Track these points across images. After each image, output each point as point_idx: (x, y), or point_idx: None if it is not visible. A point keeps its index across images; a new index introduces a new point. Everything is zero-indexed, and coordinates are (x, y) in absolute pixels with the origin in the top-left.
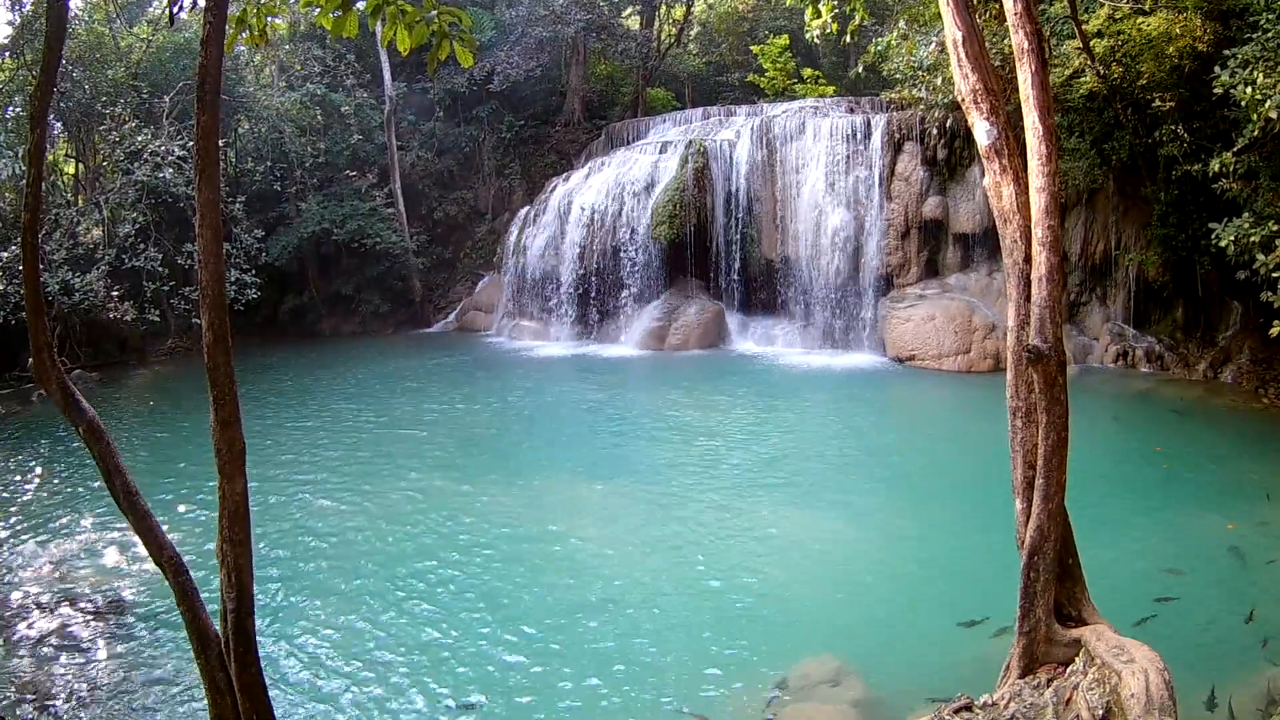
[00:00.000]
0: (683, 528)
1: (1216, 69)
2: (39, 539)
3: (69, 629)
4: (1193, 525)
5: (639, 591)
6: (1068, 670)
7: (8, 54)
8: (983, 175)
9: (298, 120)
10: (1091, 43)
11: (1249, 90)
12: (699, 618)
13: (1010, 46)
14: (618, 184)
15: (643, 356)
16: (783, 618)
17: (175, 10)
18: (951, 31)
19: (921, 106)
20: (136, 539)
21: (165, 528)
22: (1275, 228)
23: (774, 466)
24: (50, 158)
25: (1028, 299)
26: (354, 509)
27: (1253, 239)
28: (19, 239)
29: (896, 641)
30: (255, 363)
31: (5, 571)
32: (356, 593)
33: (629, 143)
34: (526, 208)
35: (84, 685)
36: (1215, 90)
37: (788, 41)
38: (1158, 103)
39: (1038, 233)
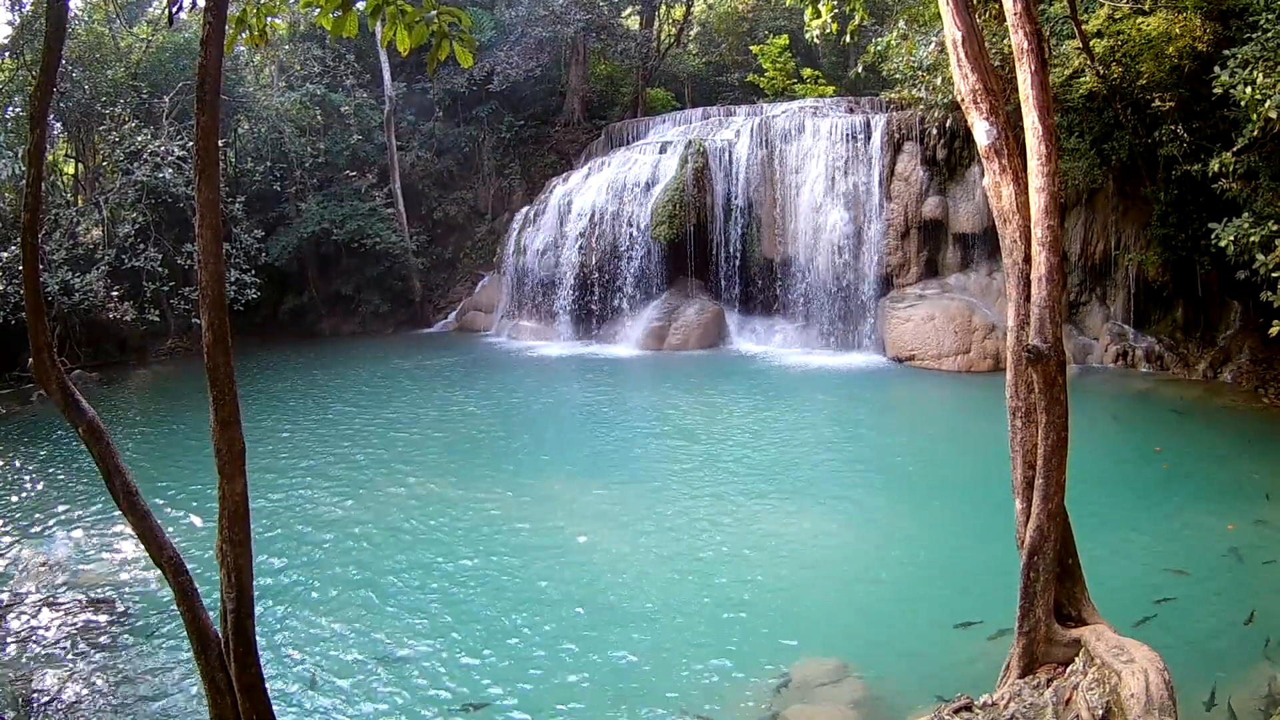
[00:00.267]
0: (683, 528)
1: (1216, 69)
2: (39, 539)
3: (69, 629)
4: (1192, 525)
5: (639, 591)
6: (1068, 670)
7: (8, 54)
8: (982, 175)
9: (297, 120)
10: (1091, 43)
11: (1249, 90)
12: (699, 617)
13: (1010, 46)
14: (617, 184)
15: (642, 356)
16: (783, 617)
17: (175, 10)
18: (951, 31)
19: (921, 106)
20: (136, 539)
21: (165, 528)
22: (1275, 228)
23: (774, 466)
24: (50, 158)
25: (1027, 299)
26: (354, 509)
27: (1252, 239)
28: (19, 239)
29: (896, 641)
30: (255, 363)
31: (5, 571)
32: (357, 592)
33: (629, 143)
34: (526, 208)
35: (84, 685)
36: (1215, 90)
37: (787, 41)
38: (1157, 103)
39: (1037, 233)
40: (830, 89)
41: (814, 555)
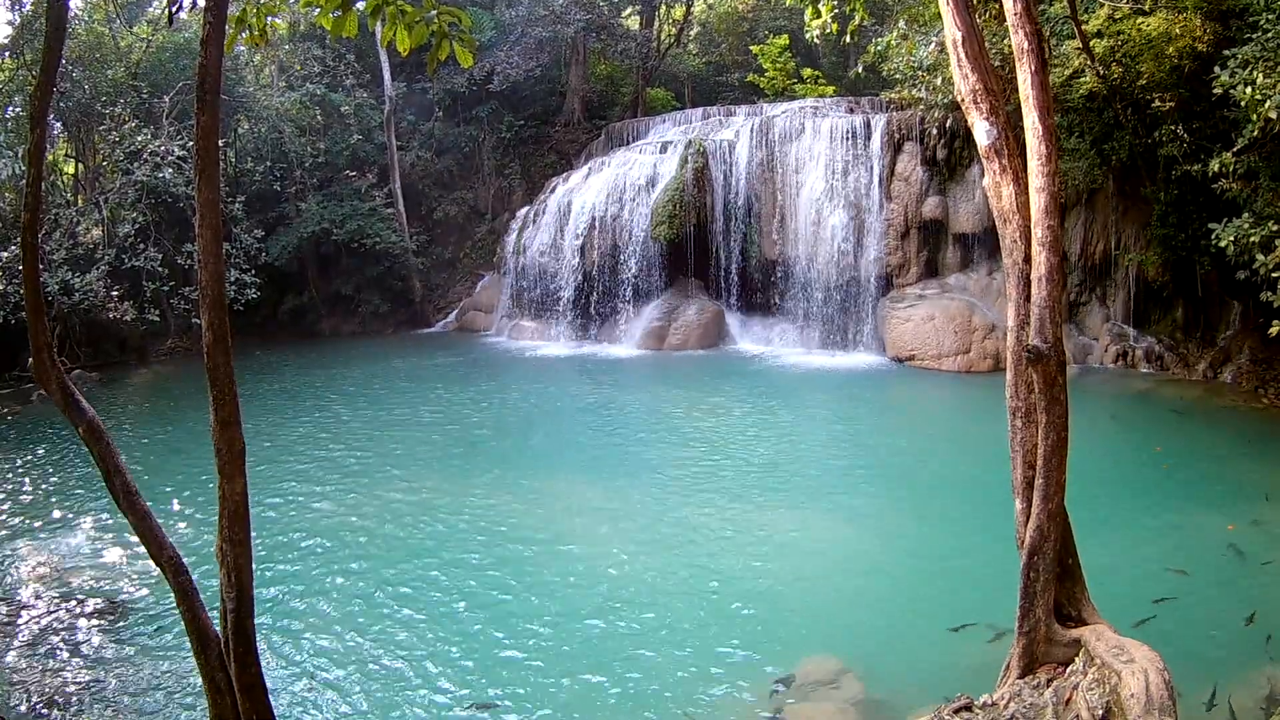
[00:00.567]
0: (682, 528)
1: (1216, 69)
2: (39, 539)
3: (69, 629)
4: (1192, 525)
5: (639, 592)
6: (1068, 670)
7: (8, 54)
8: (982, 175)
9: (297, 120)
10: (1091, 43)
11: (1249, 90)
12: (699, 618)
13: (1010, 46)
14: (617, 184)
15: (642, 356)
16: (783, 618)
17: (175, 10)
18: (951, 31)
19: (921, 106)
20: (136, 539)
21: (165, 528)
22: (1275, 228)
23: (774, 467)
24: (50, 158)
25: (1027, 299)
26: (354, 509)
27: (1252, 239)
28: (19, 239)
29: (896, 641)
30: (255, 363)
31: (5, 571)
32: (356, 592)
33: (629, 143)
34: (526, 208)
35: (84, 685)
36: (1215, 90)
37: (787, 41)
38: (1157, 103)
39: (1037, 233)
40: (830, 89)
41: (814, 555)
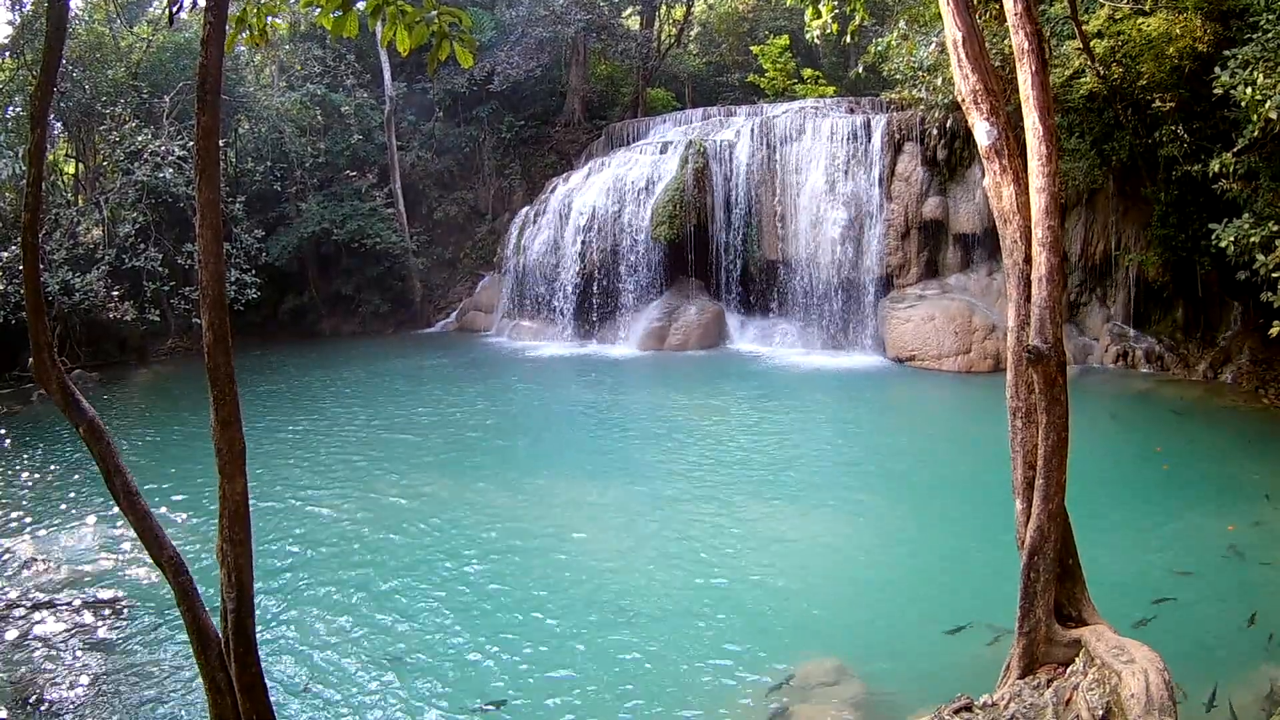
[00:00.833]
0: (683, 528)
1: (1216, 69)
2: (39, 539)
3: (69, 629)
4: (1193, 526)
5: (639, 592)
6: (1068, 670)
7: (8, 54)
8: (983, 175)
9: (298, 120)
10: (1091, 43)
11: (1249, 91)
12: (700, 617)
13: (1010, 46)
14: (618, 184)
15: (643, 357)
16: (783, 618)
17: (175, 10)
18: (951, 32)
19: (921, 107)
20: (136, 539)
21: (165, 528)
22: (1275, 228)
23: (774, 467)
24: (50, 158)
25: (1028, 299)
26: (354, 509)
27: (1253, 239)
28: (19, 239)
29: (896, 642)
30: (255, 363)
31: (5, 571)
32: (357, 593)
33: (629, 143)
34: (526, 208)
35: (84, 685)
36: (1215, 91)
37: (788, 42)
38: (1158, 103)
39: (1038, 233)
40: (830, 89)
41: (814, 555)
